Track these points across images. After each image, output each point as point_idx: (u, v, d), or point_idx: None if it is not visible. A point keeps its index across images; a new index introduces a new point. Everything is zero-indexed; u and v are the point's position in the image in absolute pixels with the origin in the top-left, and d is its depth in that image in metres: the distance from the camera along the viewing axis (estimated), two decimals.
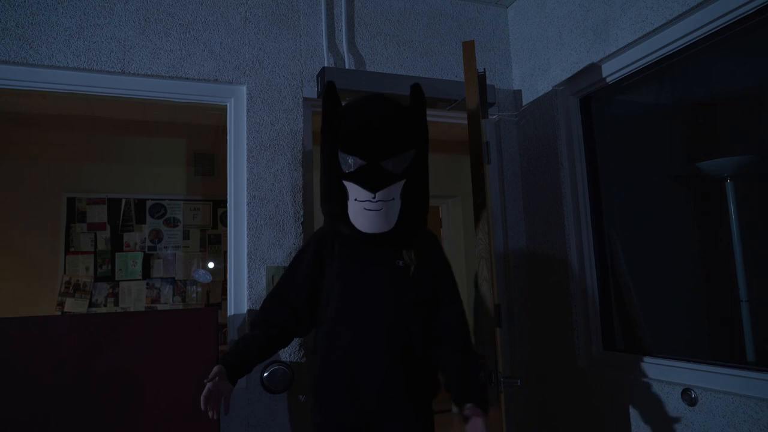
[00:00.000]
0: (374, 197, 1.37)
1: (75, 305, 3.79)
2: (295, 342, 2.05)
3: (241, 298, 2.05)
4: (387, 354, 1.42)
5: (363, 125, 1.40)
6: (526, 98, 2.53)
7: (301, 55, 2.25)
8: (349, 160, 1.39)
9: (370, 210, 1.39)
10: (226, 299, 2.12)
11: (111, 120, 3.61)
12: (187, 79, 2.08)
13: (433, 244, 1.58)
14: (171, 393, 1.71)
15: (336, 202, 1.44)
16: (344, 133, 1.41)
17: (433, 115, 2.50)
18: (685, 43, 1.83)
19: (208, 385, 1.35)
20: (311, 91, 2.23)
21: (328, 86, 1.50)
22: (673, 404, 1.76)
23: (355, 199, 1.40)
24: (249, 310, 2.02)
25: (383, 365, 1.42)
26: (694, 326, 1.92)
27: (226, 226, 2.18)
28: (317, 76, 2.23)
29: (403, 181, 1.41)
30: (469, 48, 1.91)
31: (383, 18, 2.42)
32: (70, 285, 3.81)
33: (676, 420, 1.75)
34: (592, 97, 2.30)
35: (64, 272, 3.83)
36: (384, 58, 2.39)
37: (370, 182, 1.37)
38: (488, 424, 1.39)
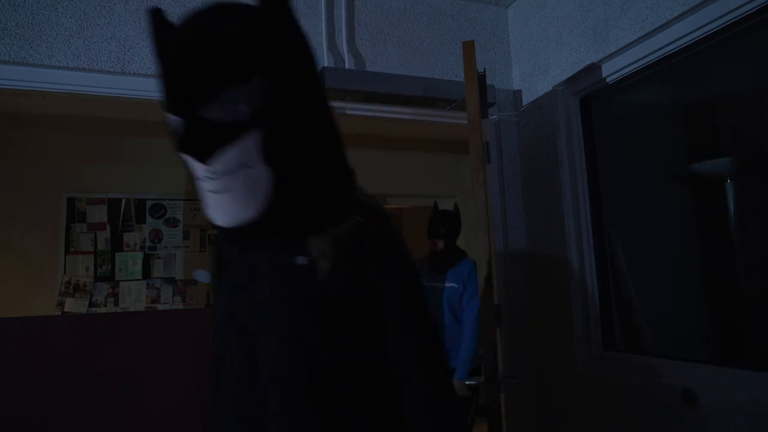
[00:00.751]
0: (209, 170, 0.81)
1: (75, 305, 3.79)
2: None
3: None
4: (284, 417, 0.84)
5: (167, 59, 0.85)
6: (526, 98, 2.53)
7: None
8: (172, 121, 0.84)
9: (211, 192, 0.83)
10: None
11: (111, 120, 3.61)
12: None
13: (375, 225, 0.94)
14: (171, 393, 1.71)
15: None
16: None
17: (433, 115, 2.50)
18: (685, 43, 1.83)
19: None
20: None
21: (152, 15, 0.93)
22: (673, 404, 1.76)
23: (197, 179, 0.85)
24: None
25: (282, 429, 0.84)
26: (694, 326, 1.92)
27: None
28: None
29: (256, 133, 0.81)
30: (469, 48, 1.90)
31: (383, 18, 2.42)
32: (70, 285, 3.81)
33: (676, 420, 1.75)
34: (592, 97, 2.30)
35: (64, 272, 3.82)
36: (384, 58, 2.39)
37: (192, 147, 0.80)
38: None
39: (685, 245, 1.96)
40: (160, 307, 3.93)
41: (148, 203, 4.04)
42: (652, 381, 1.85)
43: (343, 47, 2.32)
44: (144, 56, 2.02)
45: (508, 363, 2.42)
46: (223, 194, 0.82)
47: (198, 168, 0.82)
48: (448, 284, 2.85)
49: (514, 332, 2.44)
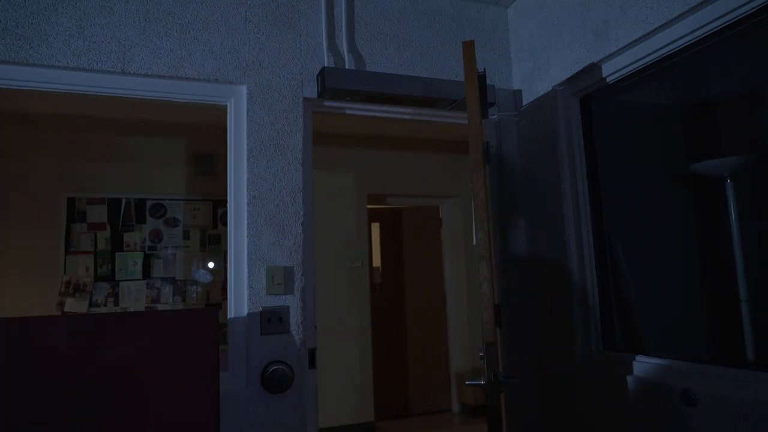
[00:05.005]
0: None
1: (75, 305, 3.79)
2: (295, 342, 2.05)
3: (241, 298, 2.05)
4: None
5: None
6: (526, 98, 2.53)
7: (301, 55, 2.25)
8: None
9: None
10: (226, 299, 2.12)
11: (111, 120, 3.62)
12: (187, 79, 2.08)
13: None
14: (171, 393, 1.71)
15: None
16: None
17: (433, 115, 2.50)
18: (685, 43, 1.83)
19: None
20: (311, 91, 2.23)
21: None
22: (673, 404, 1.76)
23: None
24: (249, 311, 2.02)
25: None
26: (693, 326, 1.92)
27: (226, 226, 2.18)
28: (317, 76, 2.23)
29: None
30: (469, 48, 1.90)
31: (383, 18, 2.42)
32: (70, 285, 3.81)
33: (676, 420, 1.75)
34: (592, 97, 2.30)
35: (64, 272, 3.82)
36: (384, 58, 2.39)
37: None
38: None
39: (685, 245, 1.96)
40: (160, 307, 3.92)
41: (148, 203, 4.04)
42: (652, 381, 1.85)
43: (343, 47, 2.32)
44: (144, 56, 2.02)
45: (508, 363, 2.42)
46: None
47: None
48: None
49: (514, 332, 2.44)
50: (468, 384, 1.79)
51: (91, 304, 3.82)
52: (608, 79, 2.14)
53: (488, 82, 2.57)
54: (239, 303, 2.05)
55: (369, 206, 5.21)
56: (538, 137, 2.43)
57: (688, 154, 1.97)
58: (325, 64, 2.26)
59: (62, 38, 1.94)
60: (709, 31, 1.74)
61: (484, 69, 2.25)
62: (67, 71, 1.95)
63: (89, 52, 1.97)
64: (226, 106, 2.17)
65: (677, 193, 2.02)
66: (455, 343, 5.36)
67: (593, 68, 2.17)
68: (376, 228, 5.61)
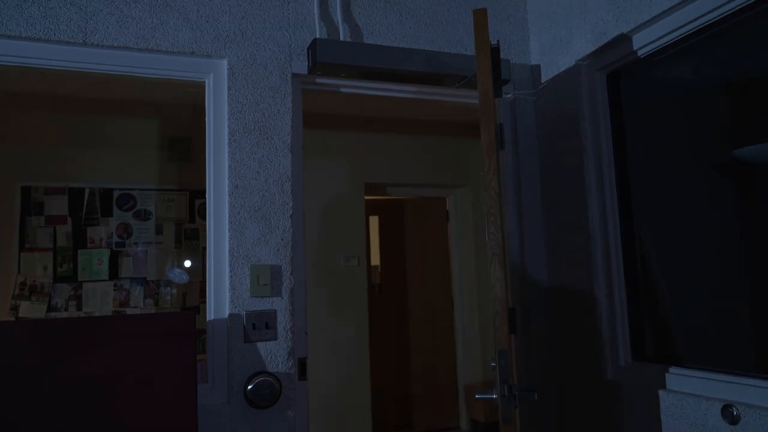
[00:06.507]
0: None
1: (31, 309, 3.79)
2: (283, 350, 2.05)
3: (222, 300, 2.05)
4: None
5: None
6: (546, 74, 2.52)
7: (289, 25, 2.24)
8: None
9: None
10: (204, 302, 2.12)
11: (72, 98, 3.60)
12: (159, 51, 2.07)
13: None
14: (142, 408, 1.71)
15: None
16: None
17: (439, 94, 2.50)
18: (732, 9, 1.81)
19: None
20: (301, 66, 2.22)
21: None
22: (712, 423, 1.77)
23: None
24: (230, 315, 2.02)
25: None
26: (736, 334, 1.92)
27: (204, 219, 2.18)
28: (308, 49, 2.22)
29: None
30: (480, 17, 1.90)
31: None
32: (25, 286, 3.81)
33: None
34: (622, 72, 2.30)
35: (19, 272, 3.82)
36: (384, 29, 2.38)
37: None
38: None
39: (727, 242, 1.96)
40: (129, 310, 3.93)
41: (116, 193, 4.03)
42: (688, 396, 1.86)
43: (338, 16, 2.31)
44: (109, 25, 2.01)
45: (525, 374, 2.42)
46: None
47: None
48: None
49: (531, 339, 2.45)
50: (479, 398, 1.79)
51: (49, 308, 3.82)
52: (640, 53, 2.13)
53: (502, 55, 2.56)
54: (220, 306, 2.05)
55: (367, 197, 5.20)
56: (559, 118, 2.43)
57: (733, 139, 1.97)
58: (317, 36, 2.25)
59: (14, 3, 1.92)
60: None
61: (498, 41, 2.24)
62: (20, 41, 1.94)
63: (45, 20, 1.95)
64: (204, 82, 2.17)
65: (720, 184, 2.01)
66: (464, 351, 5.38)
67: (623, 39, 2.16)
68: (374, 222, 5.61)
